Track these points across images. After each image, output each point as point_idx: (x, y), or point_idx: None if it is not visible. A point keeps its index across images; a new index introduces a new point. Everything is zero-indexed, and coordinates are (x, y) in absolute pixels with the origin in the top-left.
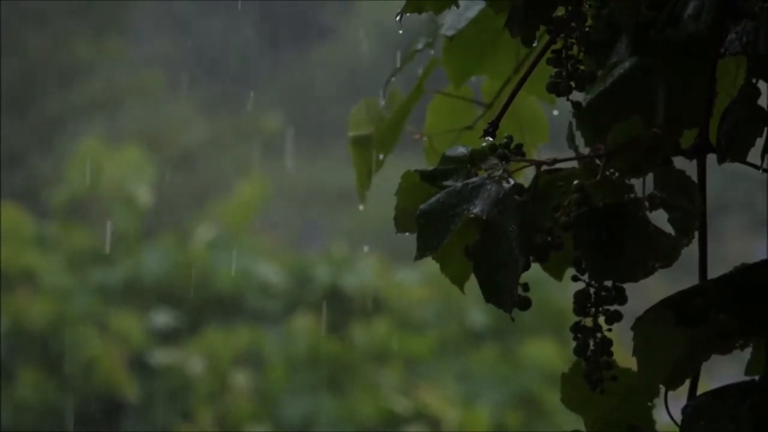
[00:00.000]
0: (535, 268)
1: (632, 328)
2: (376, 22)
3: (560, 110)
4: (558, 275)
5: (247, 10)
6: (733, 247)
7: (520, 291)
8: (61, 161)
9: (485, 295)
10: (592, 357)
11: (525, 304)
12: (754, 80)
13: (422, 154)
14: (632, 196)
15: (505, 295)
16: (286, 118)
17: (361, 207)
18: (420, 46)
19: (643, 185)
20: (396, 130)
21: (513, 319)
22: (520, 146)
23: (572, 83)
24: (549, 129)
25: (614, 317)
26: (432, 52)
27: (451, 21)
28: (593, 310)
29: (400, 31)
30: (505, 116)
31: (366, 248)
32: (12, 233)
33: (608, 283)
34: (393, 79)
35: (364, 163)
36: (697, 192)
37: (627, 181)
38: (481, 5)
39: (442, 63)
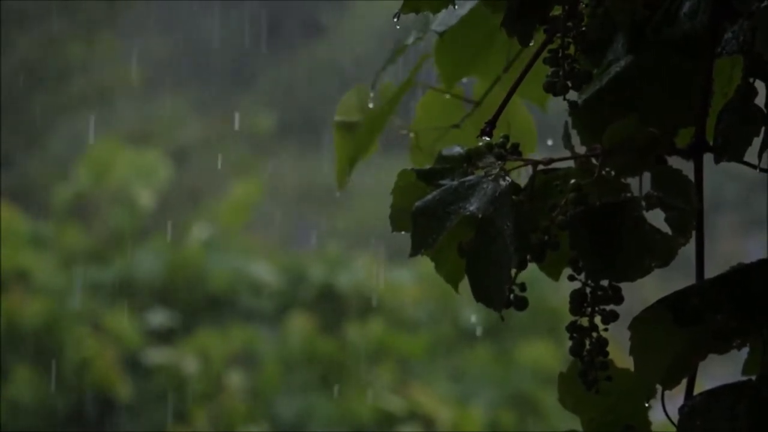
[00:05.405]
0: (530, 267)
1: (629, 328)
2: (370, 21)
3: (555, 110)
4: (554, 275)
5: (240, 9)
6: (727, 246)
7: (517, 291)
8: (54, 160)
9: (475, 293)
10: (587, 357)
11: (521, 304)
12: (751, 80)
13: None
14: (629, 195)
15: (495, 294)
16: (279, 117)
17: (338, 194)
18: (410, 40)
19: (639, 185)
20: (383, 118)
21: (503, 319)
22: (516, 145)
23: (569, 83)
24: (541, 133)
25: (610, 317)
26: (422, 44)
27: (443, 18)
28: (589, 309)
29: (397, 27)
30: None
31: (360, 248)
32: (6, 233)
33: (604, 283)
34: (382, 72)
35: (345, 149)
36: (694, 191)
37: (623, 181)
38: (473, 3)
39: (435, 62)
